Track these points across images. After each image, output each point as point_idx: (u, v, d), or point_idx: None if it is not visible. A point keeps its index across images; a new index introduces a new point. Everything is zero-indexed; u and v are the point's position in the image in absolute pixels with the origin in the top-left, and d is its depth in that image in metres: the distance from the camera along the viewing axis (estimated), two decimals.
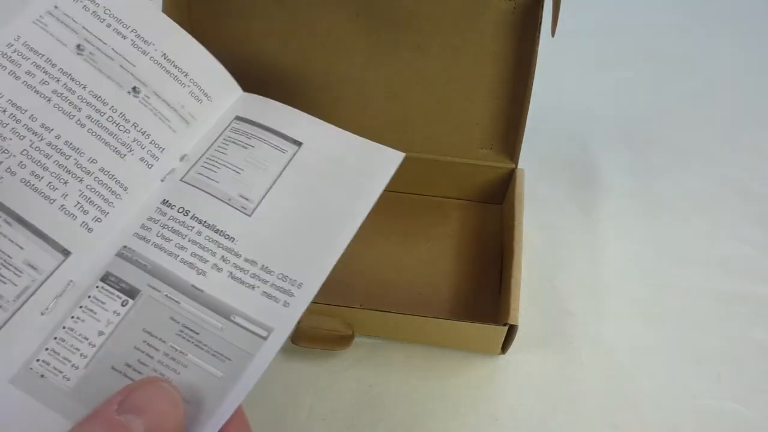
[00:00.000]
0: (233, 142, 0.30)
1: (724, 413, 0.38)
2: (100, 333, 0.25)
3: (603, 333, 0.42)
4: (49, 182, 0.26)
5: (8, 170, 0.25)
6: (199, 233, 0.27)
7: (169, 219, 0.27)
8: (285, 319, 0.25)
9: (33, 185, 0.26)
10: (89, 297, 0.26)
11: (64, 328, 0.25)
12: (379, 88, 0.43)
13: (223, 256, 0.26)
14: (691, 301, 0.43)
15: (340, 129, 0.30)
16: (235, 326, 0.25)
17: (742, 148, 0.53)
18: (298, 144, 0.30)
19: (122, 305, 0.25)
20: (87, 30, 0.28)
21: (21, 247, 0.25)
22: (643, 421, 0.38)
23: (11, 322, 0.24)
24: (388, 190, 0.48)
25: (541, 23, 0.38)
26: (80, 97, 0.27)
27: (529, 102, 0.41)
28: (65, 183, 0.26)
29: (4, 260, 0.24)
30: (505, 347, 0.39)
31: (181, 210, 0.27)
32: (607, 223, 0.48)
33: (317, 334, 0.39)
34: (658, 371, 0.40)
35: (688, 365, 0.40)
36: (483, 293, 0.43)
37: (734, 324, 0.42)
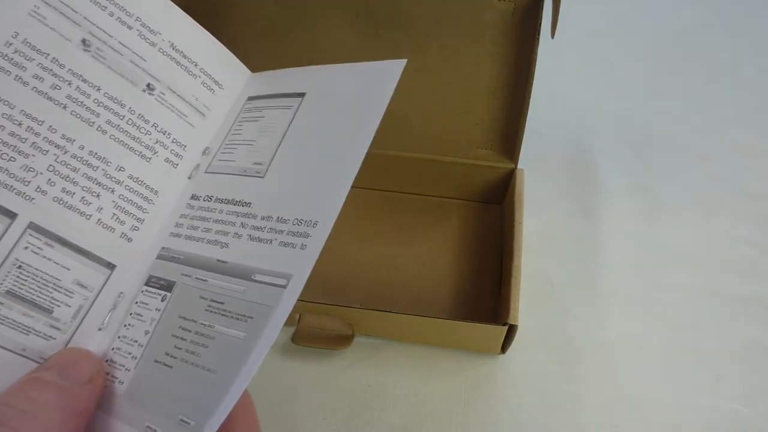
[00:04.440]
0: (246, 120, 0.29)
1: (724, 413, 0.38)
2: (146, 332, 0.25)
3: (603, 333, 0.42)
4: (82, 197, 0.25)
5: (38, 190, 0.24)
6: (221, 211, 0.27)
7: (197, 210, 0.27)
8: (303, 262, 0.24)
9: (66, 203, 0.25)
10: (137, 303, 0.26)
11: (119, 338, 0.25)
12: None
13: (242, 223, 0.26)
14: (691, 301, 0.43)
15: (341, 64, 0.29)
16: (255, 284, 0.24)
17: (742, 148, 0.53)
18: (302, 95, 0.29)
19: (162, 300, 0.26)
20: (89, 21, 0.26)
21: (67, 269, 0.25)
22: (643, 421, 0.38)
23: (72, 342, 0.25)
24: (388, 190, 0.49)
25: (540, 24, 0.38)
26: (96, 101, 0.26)
27: (529, 102, 0.41)
28: (98, 196, 0.26)
29: (54, 283, 0.24)
30: (505, 347, 0.39)
31: (206, 198, 0.27)
32: (607, 223, 0.48)
33: (317, 334, 0.39)
34: (658, 371, 0.40)
35: (688, 365, 0.40)
36: (483, 293, 0.43)
37: (734, 324, 0.42)
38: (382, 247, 0.45)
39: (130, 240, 0.26)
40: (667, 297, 0.43)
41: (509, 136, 0.44)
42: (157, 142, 0.27)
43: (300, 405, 0.38)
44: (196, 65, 0.29)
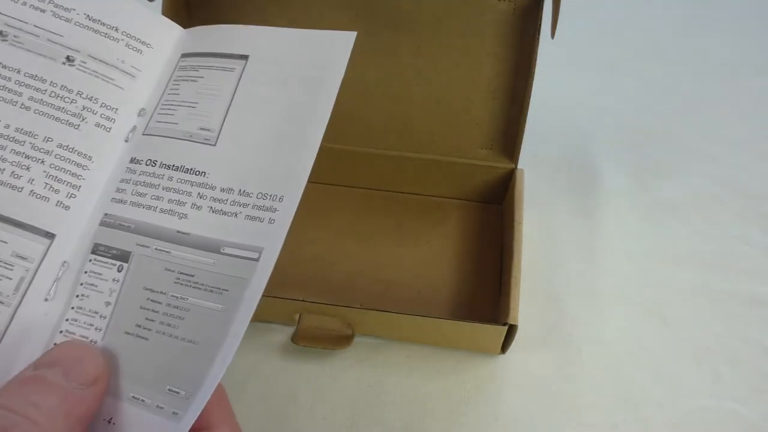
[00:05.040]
0: (183, 80, 0.29)
1: (724, 413, 0.38)
2: (107, 303, 0.25)
3: (603, 333, 0.42)
4: (12, 172, 0.26)
5: None
6: (170, 179, 0.27)
7: (139, 174, 0.27)
8: (273, 236, 0.24)
9: None
10: (86, 272, 0.26)
11: (72, 308, 0.25)
12: (379, 89, 0.43)
13: (199, 193, 0.26)
14: (691, 301, 0.43)
15: (284, 28, 0.29)
16: (226, 257, 0.25)
17: (742, 148, 0.53)
18: (245, 57, 0.29)
19: (118, 271, 0.26)
20: (4, 14, 0.27)
21: (4, 242, 0.25)
22: (643, 421, 0.38)
23: (18, 314, 0.25)
24: (388, 190, 0.49)
25: (540, 24, 0.38)
26: (18, 82, 0.27)
27: (529, 102, 0.41)
28: (27, 168, 0.26)
29: None
30: (505, 347, 0.39)
31: (148, 162, 0.27)
32: (607, 223, 0.48)
33: (317, 334, 0.39)
34: (658, 371, 0.40)
35: (688, 365, 0.40)
36: (483, 293, 0.43)
37: (734, 324, 0.42)
38: (382, 247, 0.45)
39: (67, 208, 0.26)
40: (667, 297, 0.43)
41: (509, 136, 0.44)
42: (84, 108, 0.28)
43: (300, 405, 0.38)
44: (116, 30, 0.29)
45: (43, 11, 0.28)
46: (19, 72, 0.27)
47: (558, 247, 0.46)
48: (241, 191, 0.26)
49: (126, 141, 0.28)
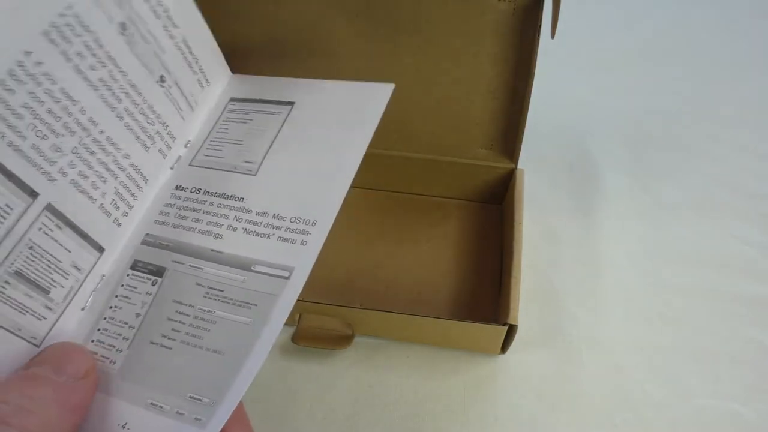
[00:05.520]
0: (232, 121, 0.30)
1: (724, 413, 0.38)
2: (137, 315, 0.26)
3: (603, 333, 0.42)
4: (93, 182, 0.25)
5: (61, 171, 0.24)
6: (211, 204, 0.28)
7: (184, 201, 0.28)
8: (305, 256, 0.25)
9: (80, 186, 0.25)
10: (122, 286, 0.26)
11: (104, 319, 0.26)
12: None
13: (236, 216, 0.27)
14: (691, 301, 0.43)
15: (328, 80, 0.30)
16: (256, 275, 0.25)
17: (742, 148, 0.53)
18: (291, 104, 0.30)
19: (152, 285, 0.26)
20: (130, 5, 0.25)
21: (69, 251, 0.25)
22: (643, 421, 0.38)
23: (60, 322, 0.25)
24: (388, 190, 0.49)
25: (540, 25, 0.38)
26: (121, 87, 0.26)
27: (529, 102, 0.41)
28: (105, 181, 0.26)
29: (56, 265, 0.25)
30: (505, 347, 0.39)
31: (193, 190, 0.28)
32: (607, 223, 0.48)
33: (317, 334, 0.39)
34: (658, 371, 0.40)
35: (687, 365, 0.40)
36: (483, 293, 0.43)
37: (734, 324, 0.42)
38: (382, 247, 0.45)
39: (119, 225, 0.27)
40: (667, 297, 0.43)
41: (509, 136, 0.44)
42: (157, 132, 0.28)
43: (300, 405, 0.38)
44: (197, 62, 0.29)
45: (158, 17, 0.27)
46: (126, 76, 0.26)
47: (558, 247, 0.46)
48: (276, 215, 0.26)
49: (171, 168, 0.29)
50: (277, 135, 0.29)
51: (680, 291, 0.44)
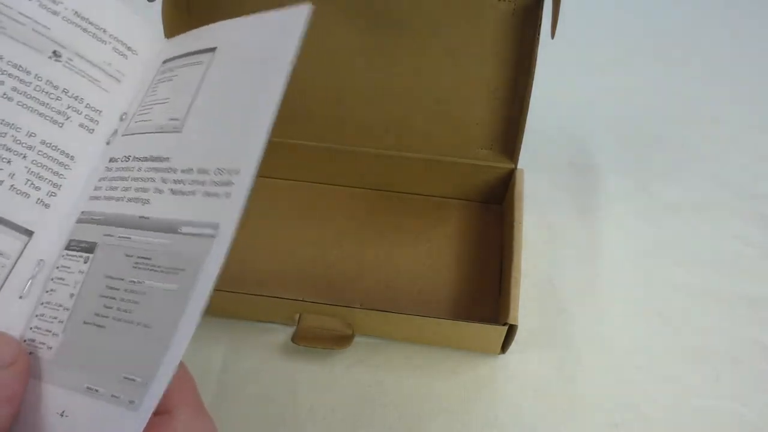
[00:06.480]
0: (161, 81, 0.29)
1: (724, 413, 0.38)
2: (71, 295, 0.25)
3: (603, 333, 0.42)
4: None
5: None
6: (139, 169, 0.26)
7: (115, 171, 0.27)
8: (229, 210, 0.24)
9: None
10: (57, 268, 0.26)
11: (42, 304, 0.25)
12: (379, 89, 0.43)
13: (162, 178, 0.26)
14: (691, 301, 0.43)
15: (245, 16, 0.28)
16: (182, 236, 0.24)
17: (741, 148, 0.53)
18: (213, 50, 0.28)
19: (84, 262, 0.25)
20: None
21: None
22: (643, 421, 0.38)
23: None
24: (388, 190, 0.49)
25: (540, 25, 0.38)
26: (1, 70, 0.26)
27: (529, 102, 0.41)
28: (9, 162, 0.25)
29: None
30: (505, 347, 0.39)
31: (123, 158, 0.27)
32: (607, 223, 0.48)
33: (317, 334, 0.39)
34: (658, 371, 0.40)
35: (688, 365, 0.40)
36: (483, 293, 0.43)
37: (734, 324, 0.42)
38: (382, 247, 0.45)
39: (47, 206, 0.26)
40: (667, 297, 0.43)
41: (509, 136, 0.44)
42: (69, 107, 0.27)
43: (300, 405, 0.38)
44: (104, 31, 0.29)
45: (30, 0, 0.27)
46: (1, 59, 0.26)
47: (558, 247, 0.46)
48: (200, 169, 0.25)
49: (107, 144, 0.28)
50: (200, 86, 0.28)
51: (680, 291, 0.44)
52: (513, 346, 0.39)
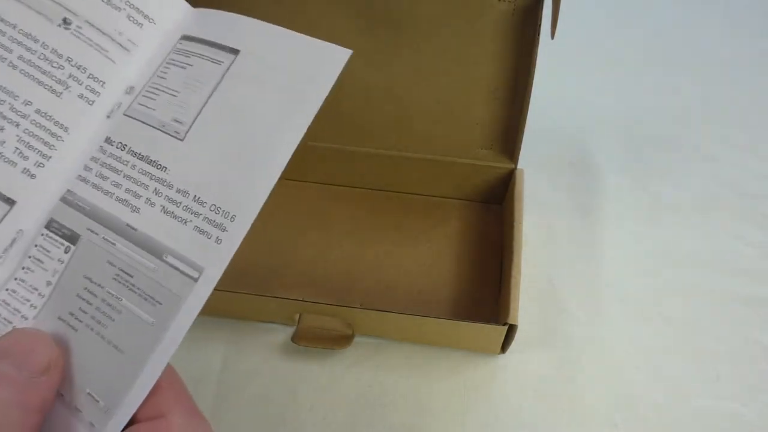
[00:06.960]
0: (174, 64, 0.28)
1: (724, 413, 0.38)
2: (48, 283, 0.25)
3: (603, 333, 0.42)
4: None
5: None
6: (133, 167, 0.25)
7: (108, 156, 0.26)
8: (217, 258, 0.23)
9: None
10: (36, 246, 0.25)
11: (15, 279, 0.25)
12: (379, 89, 0.43)
13: (155, 189, 0.25)
14: (691, 301, 0.43)
15: (282, 28, 0.27)
16: (167, 266, 0.24)
17: (741, 148, 0.53)
18: (235, 52, 0.27)
19: (65, 252, 0.25)
20: None
21: None
22: (643, 421, 0.38)
23: None
24: (388, 190, 0.49)
25: (540, 25, 0.38)
26: (11, 38, 0.26)
27: (529, 102, 0.41)
28: (1, 129, 0.25)
29: None
30: (505, 347, 0.39)
31: (119, 145, 0.26)
32: (607, 223, 0.48)
33: (317, 334, 0.39)
34: (658, 371, 0.40)
35: (687, 365, 0.40)
36: (483, 293, 0.43)
37: (734, 324, 0.42)
38: (382, 247, 0.45)
39: (33, 176, 0.25)
40: (667, 297, 0.43)
41: (509, 136, 0.44)
42: (70, 76, 0.26)
43: (300, 405, 0.38)
44: None
45: None
46: (14, 28, 0.26)
47: (558, 247, 0.46)
48: (196, 198, 0.24)
49: (108, 117, 0.27)
50: (213, 92, 0.26)
51: (680, 291, 0.44)
52: (513, 346, 0.39)
